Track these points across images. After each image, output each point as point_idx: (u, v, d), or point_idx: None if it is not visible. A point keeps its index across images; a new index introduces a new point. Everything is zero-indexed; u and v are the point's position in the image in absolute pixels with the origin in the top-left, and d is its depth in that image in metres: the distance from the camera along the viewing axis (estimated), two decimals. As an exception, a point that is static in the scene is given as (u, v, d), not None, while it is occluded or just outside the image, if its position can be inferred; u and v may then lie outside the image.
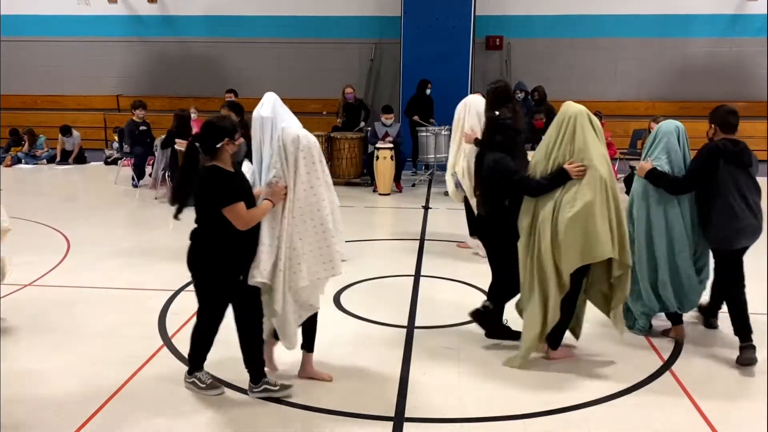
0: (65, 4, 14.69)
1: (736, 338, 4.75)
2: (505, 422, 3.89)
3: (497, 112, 4.97)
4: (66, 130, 12.68)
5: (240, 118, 6.37)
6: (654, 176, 4.64)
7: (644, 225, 4.73)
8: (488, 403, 4.10)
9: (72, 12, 14.72)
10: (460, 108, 7.33)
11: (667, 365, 4.61)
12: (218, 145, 3.87)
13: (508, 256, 4.65)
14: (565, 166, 4.31)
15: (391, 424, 3.86)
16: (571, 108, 4.42)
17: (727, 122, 4.68)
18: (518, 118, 6.95)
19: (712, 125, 4.75)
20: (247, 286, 3.96)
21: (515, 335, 4.82)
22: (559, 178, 4.32)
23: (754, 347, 4.56)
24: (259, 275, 3.90)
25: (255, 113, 6.27)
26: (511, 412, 3.99)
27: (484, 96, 8.13)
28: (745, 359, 4.53)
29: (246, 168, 6.36)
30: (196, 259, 3.97)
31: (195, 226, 3.97)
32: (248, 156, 6.38)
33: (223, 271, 3.93)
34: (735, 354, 4.76)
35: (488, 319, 4.92)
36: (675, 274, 4.75)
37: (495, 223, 4.76)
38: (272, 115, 6.24)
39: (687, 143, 4.77)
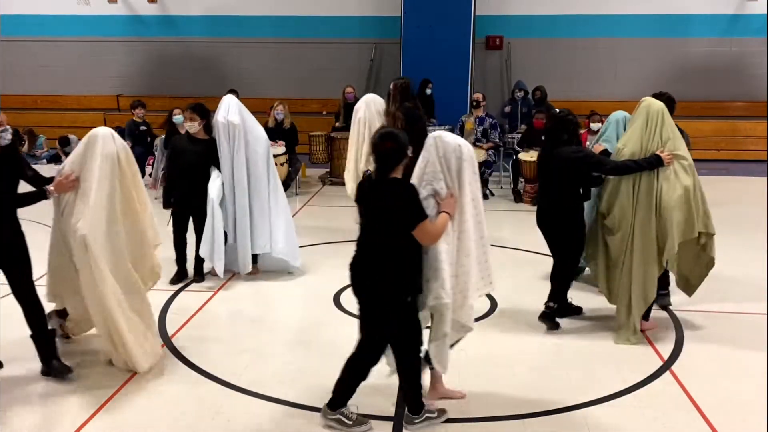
0: (65, 4, 14.67)
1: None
2: (505, 422, 3.89)
3: (557, 110, 5.34)
4: (64, 142, 12.61)
5: (206, 121, 6.04)
6: (605, 155, 5.39)
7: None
8: (488, 403, 4.10)
9: (72, 12, 14.71)
10: (362, 107, 7.32)
11: (667, 365, 4.62)
12: (410, 155, 3.62)
13: (577, 242, 5.16)
14: (659, 153, 4.79)
15: (391, 424, 3.87)
16: (655, 103, 4.96)
17: (672, 109, 5.26)
18: (421, 112, 7.21)
19: None
20: (415, 309, 3.74)
21: (577, 310, 5.50)
22: (654, 163, 4.78)
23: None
24: (446, 296, 3.66)
25: (221, 119, 6.01)
26: (511, 412, 3.99)
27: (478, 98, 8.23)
28: (667, 302, 5.52)
29: (215, 177, 6.01)
30: (372, 282, 3.63)
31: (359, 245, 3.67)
32: (215, 164, 6.05)
33: (402, 293, 3.64)
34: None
35: (555, 316, 5.29)
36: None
37: (569, 211, 5.04)
38: (240, 122, 6.10)
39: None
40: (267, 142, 6.28)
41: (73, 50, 14.70)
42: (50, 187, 4.24)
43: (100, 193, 4.23)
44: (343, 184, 10.71)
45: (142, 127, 10.86)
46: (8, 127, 4.02)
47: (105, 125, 15.58)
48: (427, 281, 3.70)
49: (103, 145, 4.28)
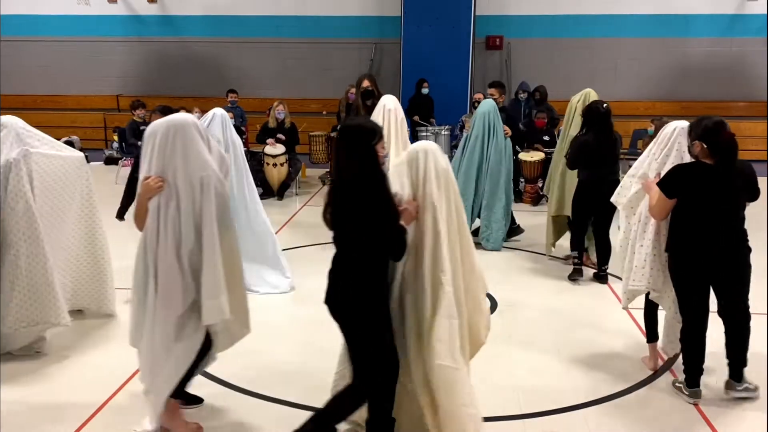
0: (65, 4, 14.67)
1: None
2: (505, 422, 3.89)
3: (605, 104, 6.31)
4: (68, 145, 12.59)
5: None
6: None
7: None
8: (488, 403, 4.09)
9: (72, 12, 14.71)
10: (390, 110, 6.72)
11: (667, 365, 4.62)
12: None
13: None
14: None
15: (391, 424, 3.86)
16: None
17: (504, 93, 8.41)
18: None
19: (499, 95, 8.35)
20: None
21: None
22: None
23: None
24: None
25: (219, 135, 5.65)
26: (511, 412, 3.99)
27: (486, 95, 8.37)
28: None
29: None
30: (746, 248, 4.10)
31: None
32: None
33: None
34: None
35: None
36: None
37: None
38: (238, 140, 5.96)
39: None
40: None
41: (73, 50, 14.70)
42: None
43: (445, 227, 3.35)
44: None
45: (143, 127, 10.83)
46: (389, 154, 3.41)
47: (105, 125, 15.59)
48: None
49: (435, 161, 3.35)
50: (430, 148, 3.40)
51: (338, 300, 3.32)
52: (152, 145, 3.40)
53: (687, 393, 4.13)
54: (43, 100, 14.84)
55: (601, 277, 6.28)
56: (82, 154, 5.26)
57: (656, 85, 13.47)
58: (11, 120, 4.74)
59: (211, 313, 3.44)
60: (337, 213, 3.23)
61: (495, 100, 8.00)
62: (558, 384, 4.35)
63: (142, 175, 3.43)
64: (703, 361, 4.12)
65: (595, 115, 6.11)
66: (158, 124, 3.42)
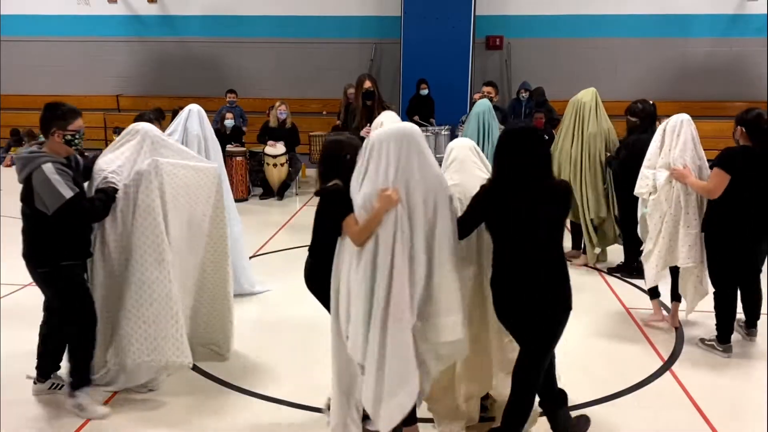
0: (65, 4, 14.67)
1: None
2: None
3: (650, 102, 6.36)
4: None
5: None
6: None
7: None
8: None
9: (72, 12, 14.70)
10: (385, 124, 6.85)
11: (667, 365, 4.62)
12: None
13: None
14: None
15: (391, 424, 3.85)
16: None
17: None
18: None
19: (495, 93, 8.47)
20: None
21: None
22: None
23: None
24: None
25: (196, 131, 5.41)
26: (511, 412, 3.98)
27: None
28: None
29: None
30: None
31: None
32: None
33: None
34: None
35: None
36: None
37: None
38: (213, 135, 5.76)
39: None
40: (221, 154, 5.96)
41: (73, 50, 14.69)
42: None
43: None
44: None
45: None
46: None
47: (105, 125, 15.61)
48: None
49: None
50: None
51: (561, 303, 3.41)
52: (386, 154, 3.18)
53: (721, 348, 4.72)
54: (43, 100, 14.75)
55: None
56: (215, 164, 4.66)
57: (656, 85, 13.45)
58: (145, 127, 4.32)
59: (448, 330, 3.30)
60: (551, 211, 3.26)
61: (491, 98, 8.09)
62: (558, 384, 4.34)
63: (373, 186, 3.20)
64: (733, 321, 4.77)
65: (649, 115, 6.09)
66: (386, 134, 3.23)
